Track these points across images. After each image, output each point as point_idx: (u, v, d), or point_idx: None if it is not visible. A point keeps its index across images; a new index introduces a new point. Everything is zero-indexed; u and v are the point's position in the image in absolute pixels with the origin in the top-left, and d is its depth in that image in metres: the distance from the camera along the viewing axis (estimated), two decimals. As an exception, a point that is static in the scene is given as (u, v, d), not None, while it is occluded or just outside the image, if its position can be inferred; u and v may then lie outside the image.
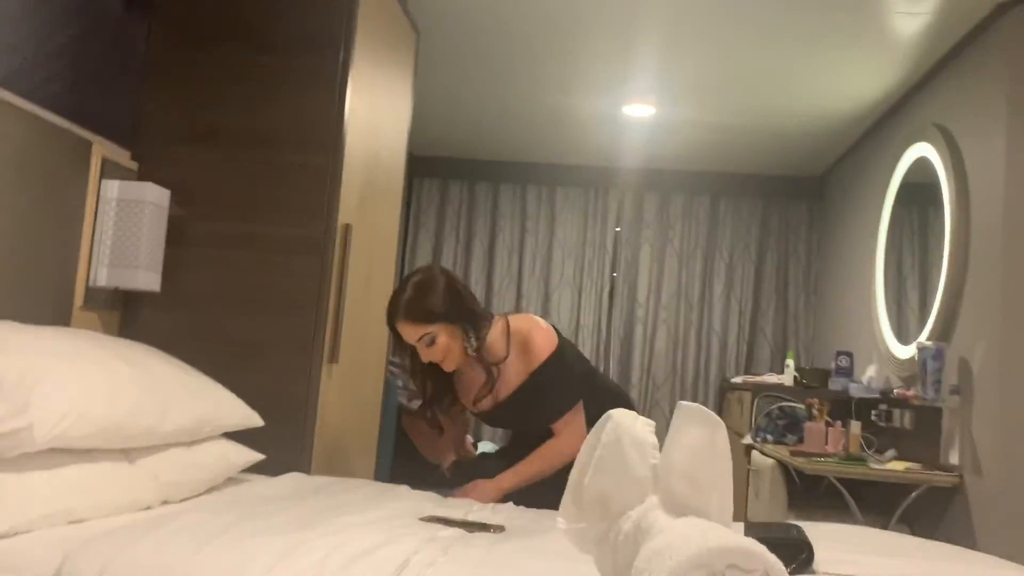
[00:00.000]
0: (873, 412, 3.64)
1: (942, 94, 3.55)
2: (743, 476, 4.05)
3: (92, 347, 1.82)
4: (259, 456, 2.11)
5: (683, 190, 5.47)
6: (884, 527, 3.17)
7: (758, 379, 4.55)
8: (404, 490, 2.12)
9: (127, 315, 2.44)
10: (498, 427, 3.86)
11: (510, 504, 2.11)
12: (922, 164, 3.61)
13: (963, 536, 2.94)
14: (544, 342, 2.31)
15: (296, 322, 2.37)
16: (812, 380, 4.71)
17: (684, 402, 1.25)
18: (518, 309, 5.40)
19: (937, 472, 3.06)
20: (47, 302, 2.13)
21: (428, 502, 2.01)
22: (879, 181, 4.16)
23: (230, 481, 2.04)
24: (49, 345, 1.70)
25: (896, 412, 3.34)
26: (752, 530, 1.64)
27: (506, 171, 5.56)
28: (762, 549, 1.06)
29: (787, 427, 3.91)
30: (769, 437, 3.93)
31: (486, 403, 2.37)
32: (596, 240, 5.46)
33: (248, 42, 2.48)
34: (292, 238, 2.40)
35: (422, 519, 1.82)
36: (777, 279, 5.38)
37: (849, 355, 4.48)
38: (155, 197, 2.31)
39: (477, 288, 5.47)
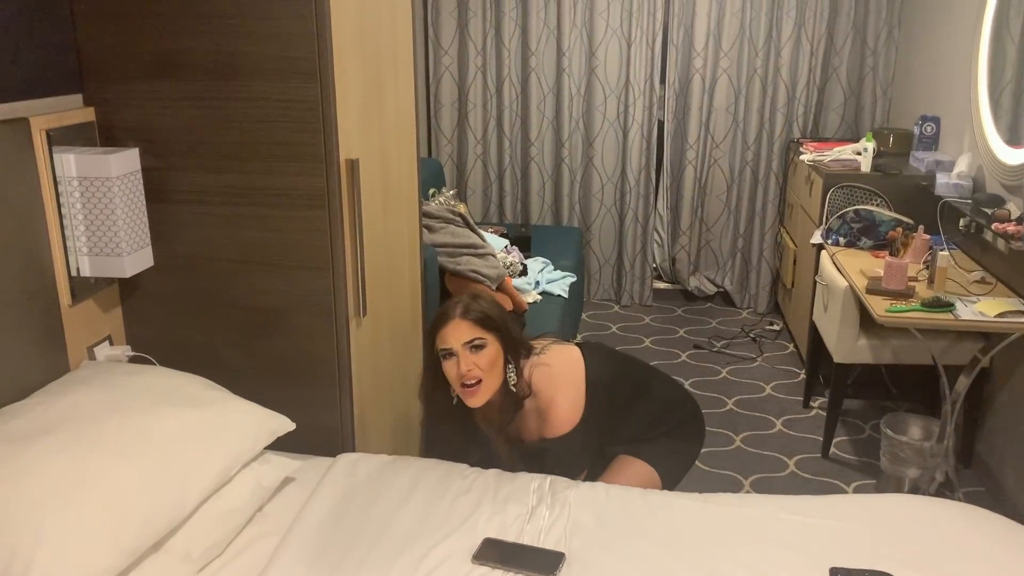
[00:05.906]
0: (962, 221, 3.28)
1: None
2: (809, 282, 3.81)
3: (77, 451, 1.56)
4: (292, 465, 1.96)
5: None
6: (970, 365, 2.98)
7: (830, 156, 4.11)
8: (457, 483, 1.98)
9: (125, 287, 2.18)
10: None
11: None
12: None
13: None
14: (565, 416, 2.08)
15: (311, 281, 2.09)
16: (893, 150, 4.27)
17: None
18: (559, 70, 4.85)
19: (1033, 316, 2.78)
20: (31, 309, 1.88)
21: (485, 506, 1.88)
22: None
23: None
24: (26, 482, 1.49)
25: (989, 229, 2.98)
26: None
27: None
28: None
29: (863, 230, 3.58)
30: (841, 240, 3.63)
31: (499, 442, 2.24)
32: (645, -22, 4.71)
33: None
34: (288, 189, 2.03)
35: (474, 560, 1.72)
36: (855, 10, 4.65)
37: (935, 121, 4.00)
38: (122, 168, 1.93)
39: (512, 50, 4.89)
